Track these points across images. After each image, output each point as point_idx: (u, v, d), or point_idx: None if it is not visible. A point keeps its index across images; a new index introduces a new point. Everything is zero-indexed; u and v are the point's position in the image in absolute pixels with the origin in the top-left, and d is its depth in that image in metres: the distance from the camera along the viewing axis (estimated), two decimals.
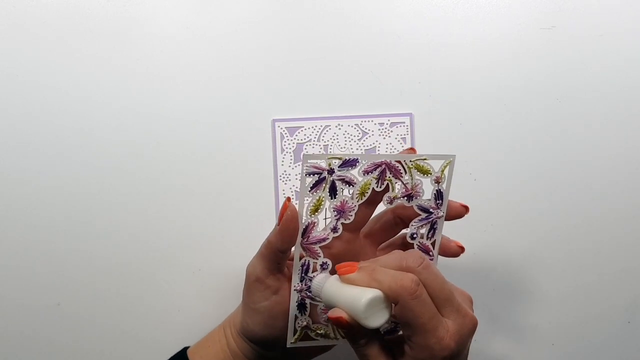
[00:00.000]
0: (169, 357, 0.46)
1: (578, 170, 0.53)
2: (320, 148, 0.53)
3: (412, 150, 0.40)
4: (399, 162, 0.38)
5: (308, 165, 0.37)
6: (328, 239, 0.38)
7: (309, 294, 0.39)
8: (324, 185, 0.37)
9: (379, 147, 0.53)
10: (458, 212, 0.40)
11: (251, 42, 0.53)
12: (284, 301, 0.39)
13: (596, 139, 0.53)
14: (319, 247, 0.38)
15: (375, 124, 0.53)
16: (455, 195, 0.52)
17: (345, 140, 0.53)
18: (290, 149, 0.53)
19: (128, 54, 0.52)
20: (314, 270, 0.39)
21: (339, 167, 0.37)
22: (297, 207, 0.37)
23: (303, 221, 0.38)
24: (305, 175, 0.37)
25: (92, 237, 0.52)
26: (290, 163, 0.53)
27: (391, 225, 0.41)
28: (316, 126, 0.53)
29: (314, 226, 0.38)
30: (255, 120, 0.53)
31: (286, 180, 0.53)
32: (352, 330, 0.34)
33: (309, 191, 0.37)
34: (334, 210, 0.38)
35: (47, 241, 0.52)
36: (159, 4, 0.52)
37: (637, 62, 0.53)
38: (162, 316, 0.53)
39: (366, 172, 0.38)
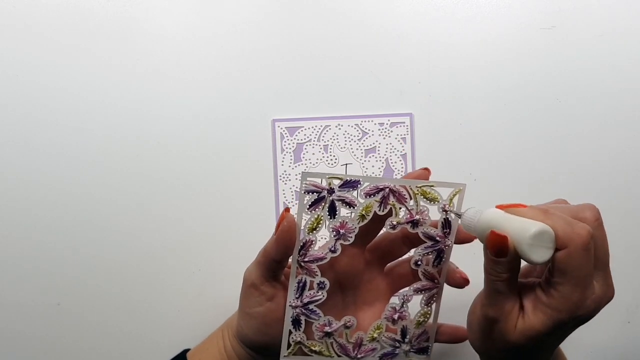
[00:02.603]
0: (169, 359, 0.46)
1: (578, 170, 0.53)
2: (321, 148, 0.53)
3: (426, 170, 0.39)
4: (404, 187, 0.37)
5: (307, 183, 0.36)
6: (326, 258, 0.38)
7: (304, 310, 0.38)
8: (323, 204, 0.37)
9: (379, 147, 0.53)
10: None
11: (251, 42, 0.53)
12: (278, 309, 0.39)
13: (596, 139, 0.53)
14: (316, 265, 0.38)
15: (375, 124, 0.53)
16: None
17: (345, 140, 0.53)
18: (290, 149, 0.53)
19: (128, 54, 0.52)
20: (311, 288, 0.38)
21: (339, 187, 0.36)
22: (295, 218, 0.37)
23: (301, 238, 0.37)
24: (304, 192, 0.36)
25: (92, 237, 0.52)
26: (290, 163, 0.53)
27: (399, 244, 0.41)
28: (316, 126, 0.53)
29: (311, 244, 0.37)
30: (255, 120, 0.53)
31: (286, 180, 0.53)
32: (507, 257, 0.32)
33: (307, 209, 0.37)
34: (332, 230, 0.37)
35: (47, 241, 0.52)
36: (159, 4, 0.52)
37: (637, 62, 0.53)
38: (162, 316, 0.53)
39: (368, 195, 0.37)
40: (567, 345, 0.53)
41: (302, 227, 0.37)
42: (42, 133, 0.52)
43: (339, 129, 0.53)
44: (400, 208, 0.37)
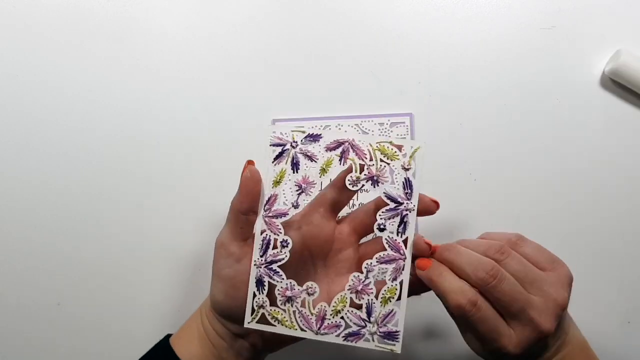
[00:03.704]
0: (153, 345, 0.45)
1: (578, 170, 0.53)
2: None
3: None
4: (364, 143, 0.37)
5: (272, 136, 0.37)
6: (288, 214, 0.38)
7: (267, 270, 0.38)
8: (286, 157, 0.38)
9: None
10: (427, 207, 0.38)
11: (251, 42, 0.53)
12: (247, 272, 0.38)
13: (596, 139, 0.53)
14: (280, 222, 0.38)
15: (375, 124, 0.53)
16: (455, 195, 0.52)
17: None
18: None
19: (128, 54, 0.52)
20: (275, 247, 0.38)
21: (302, 140, 0.37)
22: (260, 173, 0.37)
23: (266, 193, 0.38)
24: (270, 145, 0.38)
25: (92, 237, 0.52)
26: None
27: (371, 215, 0.39)
28: (316, 126, 0.53)
29: (275, 199, 0.38)
30: (255, 120, 0.53)
31: (286, 181, 0.53)
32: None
33: (272, 162, 0.38)
34: (295, 185, 0.38)
35: (47, 241, 0.52)
36: (159, 4, 0.52)
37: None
38: (162, 316, 0.53)
39: (329, 149, 0.37)
40: None
41: (267, 181, 0.38)
42: (42, 133, 0.52)
43: (339, 129, 0.53)
44: (360, 164, 0.38)
